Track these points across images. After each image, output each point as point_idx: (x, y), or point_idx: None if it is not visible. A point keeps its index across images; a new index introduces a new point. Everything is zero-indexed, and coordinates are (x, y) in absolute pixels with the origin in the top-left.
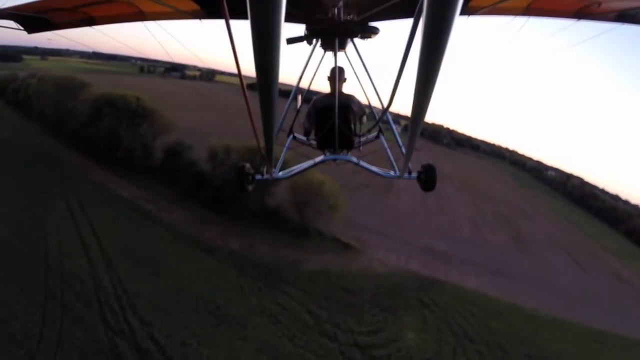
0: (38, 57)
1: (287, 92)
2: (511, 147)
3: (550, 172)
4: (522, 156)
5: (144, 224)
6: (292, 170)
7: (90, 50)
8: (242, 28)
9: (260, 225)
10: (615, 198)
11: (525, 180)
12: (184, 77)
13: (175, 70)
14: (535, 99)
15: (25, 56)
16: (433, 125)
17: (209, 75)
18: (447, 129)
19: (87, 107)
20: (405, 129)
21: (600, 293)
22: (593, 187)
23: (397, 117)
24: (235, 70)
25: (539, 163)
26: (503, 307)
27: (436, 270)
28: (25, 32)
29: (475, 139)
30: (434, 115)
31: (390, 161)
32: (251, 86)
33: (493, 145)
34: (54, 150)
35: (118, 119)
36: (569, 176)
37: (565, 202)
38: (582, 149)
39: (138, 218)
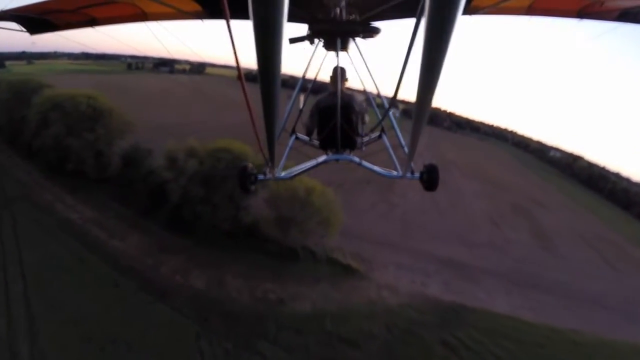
0: (24, 62)
1: (285, 82)
2: (510, 128)
3: (554, 153)
4: (523, 137)
5: (87, 259)
6: (294, 171)
7: (79, 51)
8: (242, 27)
9: (234, 248)
10: (619, 176)
11: (530, 162)
12: (172, 71)
13: (164, 65)
14: (528, 76)
15: (11, 62)
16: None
17: (199, 68)
18: (445, 111)
19: (34, 113)
20: (404, 113)
21: (636, 296)
22: (600, 168)
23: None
24: (234, 65)
25: (539, 143)
26: (542, 334)
27: (460, 292)
28: (9, 39)
29: (474, 121)
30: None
31: (393, 161)
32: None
33: (492, 126)
34: (1, 166)
35: (66, 125)
36: (576, 157)
37: (574, 185)
38: (578, 125)
39: (81, 251)
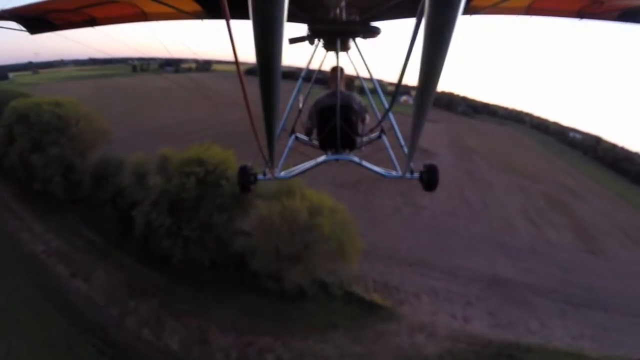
0: (30, 72)
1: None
2: (525, 110)
3: (574, 135)
4: (540, 118)
5: (42, 310)
6: (294, 170)
7: (85, 57)
8: (244, 27)
9: (221, 286)
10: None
11: (552, 146)
12: (178, 70)
13: (169, 65)
14: (537, 56)
15: (15, 73)
16: (443, 93)
17: (205, 65)
18: (458, 95)
19: (1, 126)
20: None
21: None
22: (623, 150)
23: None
24: (240, 61)
25: (558, 125)
26: None
27: (510, 324)
28: (15, 50)
29: (490, 104)
30: (444, 83)
31: (392, 161)
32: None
33: (507, 109)
34: None
35: (31, 138)
36: (599, 139)
37: (598, 168)
38: (589, 104)
39: (37, 299)
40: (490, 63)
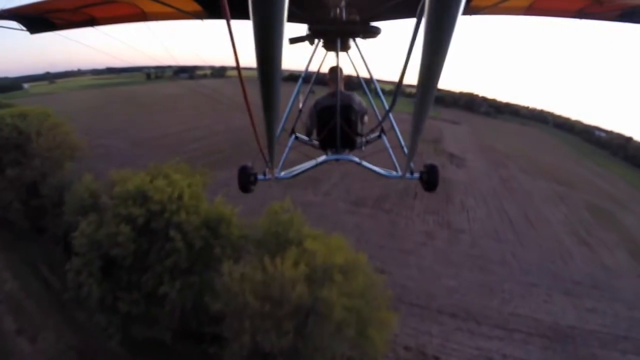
0: (47, 82)
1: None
2: (547, 109)
3: (599, 134)
4: (562, 117)
5: None
6: (294, 171)
7: (103, 66)
8: (246, 28)
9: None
10: None
11: (579, 146)
12: (192, 77)
13: (184, 72)
14: (543, 51)
15: (32, 83)
16: (462, 94)
17: (219, 71)
18: (477, 95)
19: None
20: None
21: None
22: None
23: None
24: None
25: (580, 123)
26: None
27: None
28: (32, 61)
29: (511, 104)
30: (462, 84)
31: (393, 161)
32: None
33: (528, 108)
34: None
35: None
36: (627, 138)
37: (630, 168)
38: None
39: None
40: (507, 62)
